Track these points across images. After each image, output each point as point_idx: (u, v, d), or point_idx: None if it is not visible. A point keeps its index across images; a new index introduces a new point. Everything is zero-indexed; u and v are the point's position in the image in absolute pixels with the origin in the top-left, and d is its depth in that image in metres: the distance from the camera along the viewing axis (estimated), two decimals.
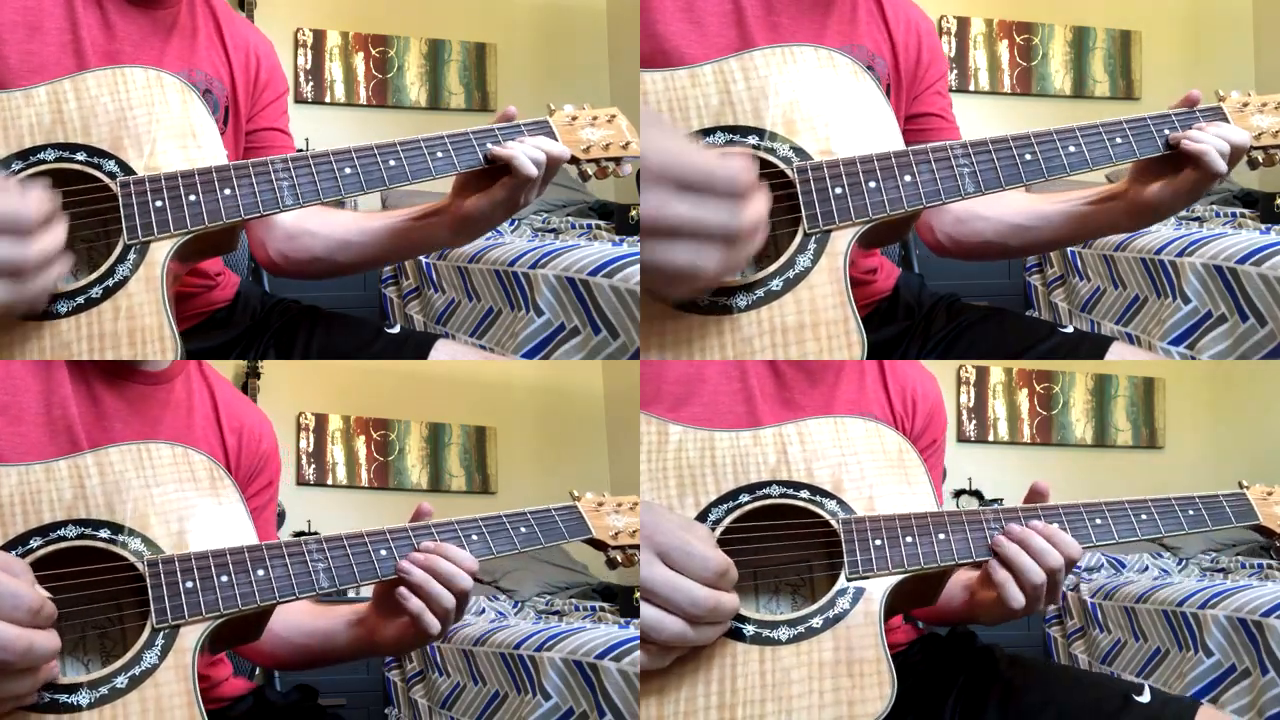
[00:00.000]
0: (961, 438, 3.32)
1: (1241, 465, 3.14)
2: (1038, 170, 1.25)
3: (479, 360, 3.13)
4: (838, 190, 1.22)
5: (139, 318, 1.24)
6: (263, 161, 1.28)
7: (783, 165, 1.22)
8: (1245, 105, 1.31)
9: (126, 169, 1.26)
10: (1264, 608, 2.45)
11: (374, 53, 3.28)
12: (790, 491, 1.23)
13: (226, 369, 2.86)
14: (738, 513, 1.21)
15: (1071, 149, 1.26)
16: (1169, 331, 2.62)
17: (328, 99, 3.25)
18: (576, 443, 3.33)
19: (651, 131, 1.08)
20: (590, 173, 1.38)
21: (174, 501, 1.22)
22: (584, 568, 3.17)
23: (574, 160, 1.37)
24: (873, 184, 1.22)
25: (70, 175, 1.26)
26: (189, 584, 1.18)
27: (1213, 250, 2.55)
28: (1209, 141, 1.25)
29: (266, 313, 1.63)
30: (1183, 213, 2.72)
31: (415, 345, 1.61)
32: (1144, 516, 1.29)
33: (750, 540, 1.21)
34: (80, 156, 1.26)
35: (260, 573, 1.21)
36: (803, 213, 1.22)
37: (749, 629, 1.17)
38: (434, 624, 1.25)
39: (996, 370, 3.34)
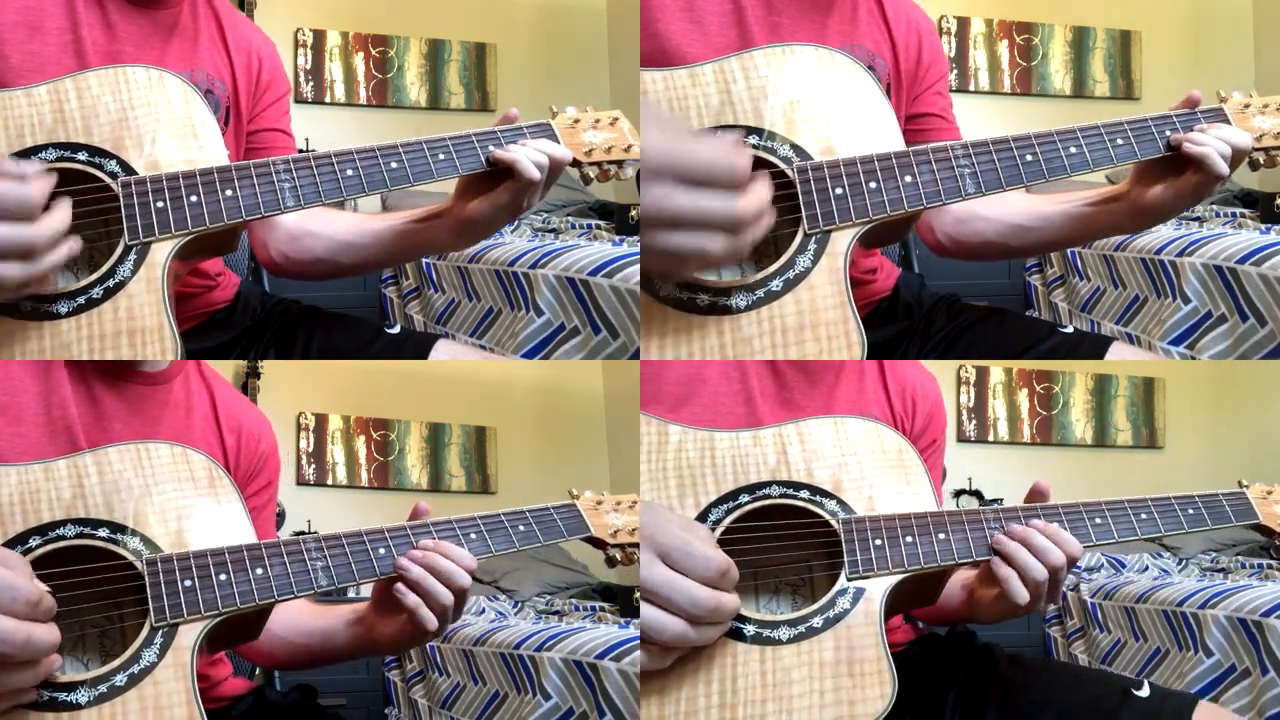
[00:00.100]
0: (961, 438, 3.32)
1: (1241, 465, 3.14)
2: (1038, 171, 1.25)
3: (479, 360, 3.13)
4: (838, 190, 1.22)
5: (139, 318, 1.23)
6: (264, 162, 1.28)
7: (783, 165, 1.22)
8: (1246, 107, 1.31)
9: (128, 169, 1.26)
10: (1264, 608, 2.45)
11: (374, 53, 3.28)
12: (790, 492, 1.23)
13: (226, 369, 2.86)
14: (738, 513, 1.21)
15: (1072, 150, 1.26)
16: (1169, 331, 2.62)
17: (328, 99, 3.25)
18: (576, 443, 3.34)
19: (651, 127, 1.10)
20: (592, 175, 1.38)
21: (173, 501, 1.22)
22: (584, 568, 3.17)
23: (575, 163, 1.37)
24: (873, 184, 1.22)
25: (71, 175, 1.26)
26: (187, 583, 1.18)
27: (1213, 250, 2.55)
28: (1211, 144, 1.25)
29: (267, 313, 1.63)
30: (1183, 213, 2.72)
31: (415, 345, 1.61)
32: (1144, 516, 1.29)
33: (750, 540, 1.21)
34: (81, 156, 1.26)
35: (259, 571, 1.21)
36: (803, 213, 1.22)
37: (749, 629, 1.17)
38: (430, 619, 1.24)
39: (996, 370, 3.34)
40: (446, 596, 1.24)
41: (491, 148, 1.33)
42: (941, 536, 1.22)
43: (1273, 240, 2.54)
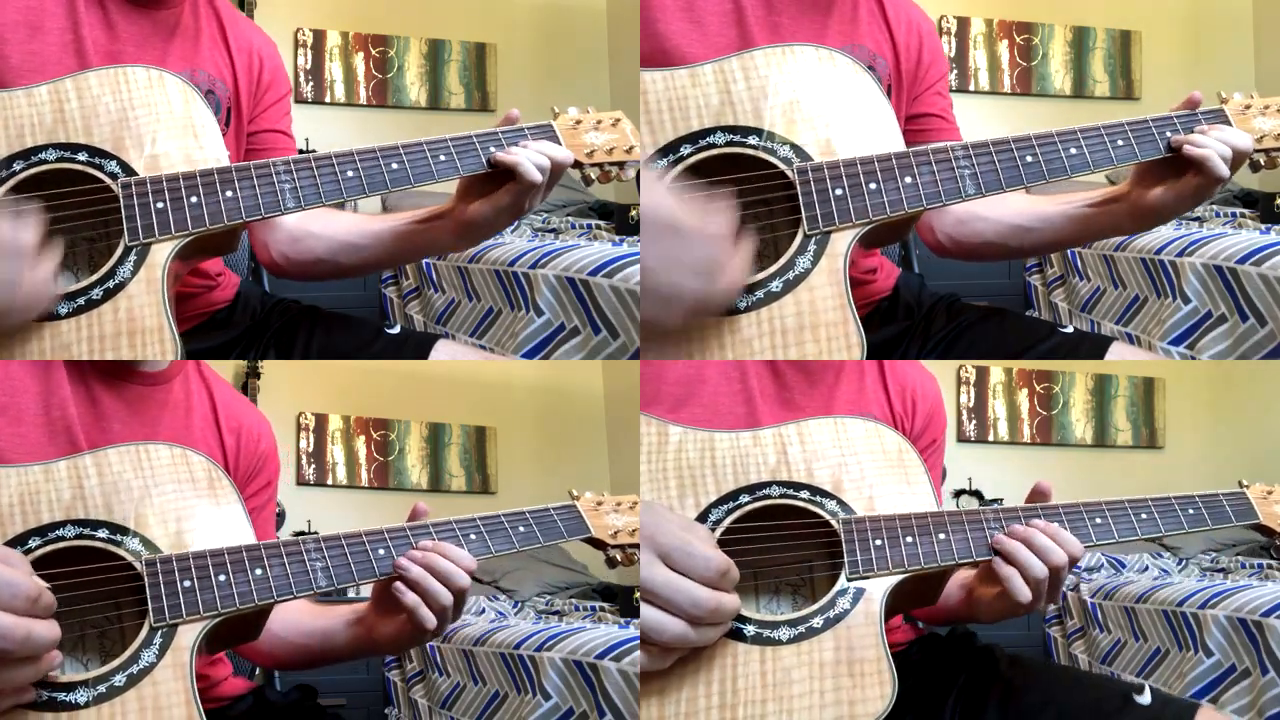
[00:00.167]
0: (961, 438, 3.32)
1: (1241, 465, 3.14)
2: (1038, 172, 1.25)
3: (479, 360, 3.13)
4: (838, 191, 1.22)
5: (139, 319, 1.23)
6: (264, 163, 1.28)
7: (783, 166, 1.22)
8: (1247, 108, 1.31)
9: (128, 169, 1.26)
10: (1264, 608, 2.45)
11: (374, 53, 3.28)
12: (790, 492, 1.23)
13: (226, 369, 2.86)
14: (738, 513, 1.21)
15: (1072, 151, 1.26)
16: (1169, 331, 2.62)
17: (328, 99, 3.25)
18: (576, 443, 3.34)
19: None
20: (593, 177, 1.38)
21: (172, 502, 1.22)
22: (584, 568, 3.17)
23: (577, 164, 1.36)
24: (873, 185, 1.22)
25: (71, 175, 1.26)
26: (187, 583, 1.18)
27: (1213, 250, 2.55)
28: (1211, 146, 1.25)
29: (267, 313, 1.63)
30: (1183, 214, 2.72)
31: (416, 345, 1.61)
32: (1144, 516, 1.29)
33: (751, 541, 1.21)
34: (82, 157, 1.26)
35: (258, 572, 1.21)
36: (802, 214, 1.22)
37: (750, 629, 1.17)
38: (429, 618, 1.24)
39: (996, 370, 3.34)
40: (445, 596, 1.24)
41: (493, 149, 1.33)
42: (942, 537, 1.22)
43: (1273, 240, 2.54)
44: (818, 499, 1.23)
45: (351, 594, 1.44)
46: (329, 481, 3.31)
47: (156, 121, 1.28)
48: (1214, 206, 2.84)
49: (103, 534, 1.19)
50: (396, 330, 1.64)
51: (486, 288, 2.87)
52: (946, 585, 1.32)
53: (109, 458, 1.22)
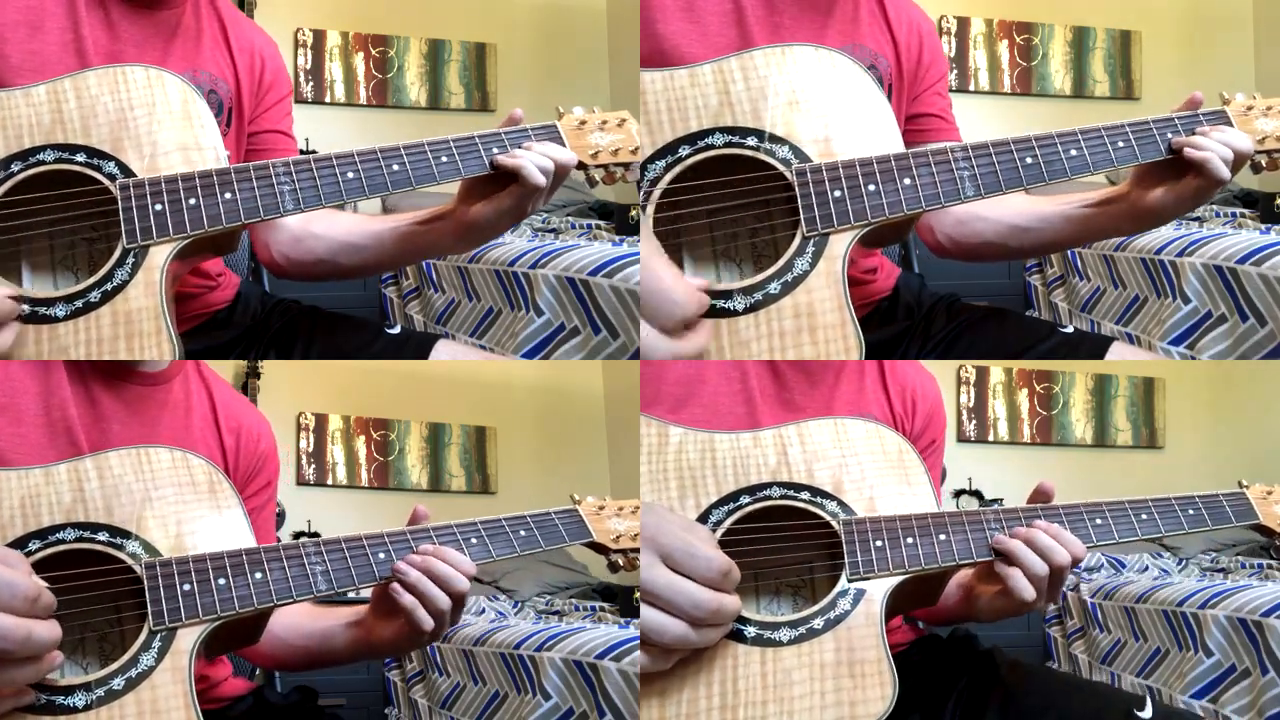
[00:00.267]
0: (961, 438, 3.32)
1: (1241, 465, 3.14)
2: (1038, 174, 1.25)
3: (479, 360, 3.13)
4: (836, 193, 1.22)
5: (137, 322, 1.23)
6: (264, 165, 1.27)
7: (781, 167, 1.22)
8: (1250, 109, 1.30)
9: (126, 170, 1.26)
10: (1264, 608, 2.45)
11: (374, 53, 3.28)
12: (791, 493, 1.23)
13: (226, 369, 2.86)
14: (739, 514, 1.21)
15: (1073, 152, 1.25)
16: (1169, 331, 2.62)
17: (328, 99, 3.25)
18: (576, 443, 3.34)
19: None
20: (598, 178, 1.36)
21: (173, 506, 1.22)
22: (584, 568, 3.17)
23: (581, 165, 1.35)
24: (872, 187, 1.22)
25: (70, 177, 1.26)
26: (186, 586, 1.18)
27: (1213, 250, 2.54)
28: (1212, 149, 1.25)
29: (267, 313, 1.63)
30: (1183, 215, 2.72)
31: (416, 345, 1.60)
32: (1144, 516, 1.28)
33: (751, 542, 1.21)
34: (80, 158, 1.26)
35: (258, 575, 1.20)
36: (801, 216, 1.21)
37: (750, 630, 1.17)
38: (426, 620, 1.24)
39: (996, 370, 3.35)
40: (443, 600, 1.24)
41: (496, 151, 1.32)
42: (942, 537, 1.22)
43: (1273, 240, 2.54)
44: (818, 500, 1.23)
45: (353, 597, 1.44)
46: (329, 481, 3.31)
47: (155, 122, 1.27)
48: (1214, 206, 2.84)
49: (103, 537, 1.19)
50: (397, 330, 1.64)
51: (486, 288, 2.87)
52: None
53: (109, 461, 1.22)
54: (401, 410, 3.36)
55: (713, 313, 1.20)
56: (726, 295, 1.20)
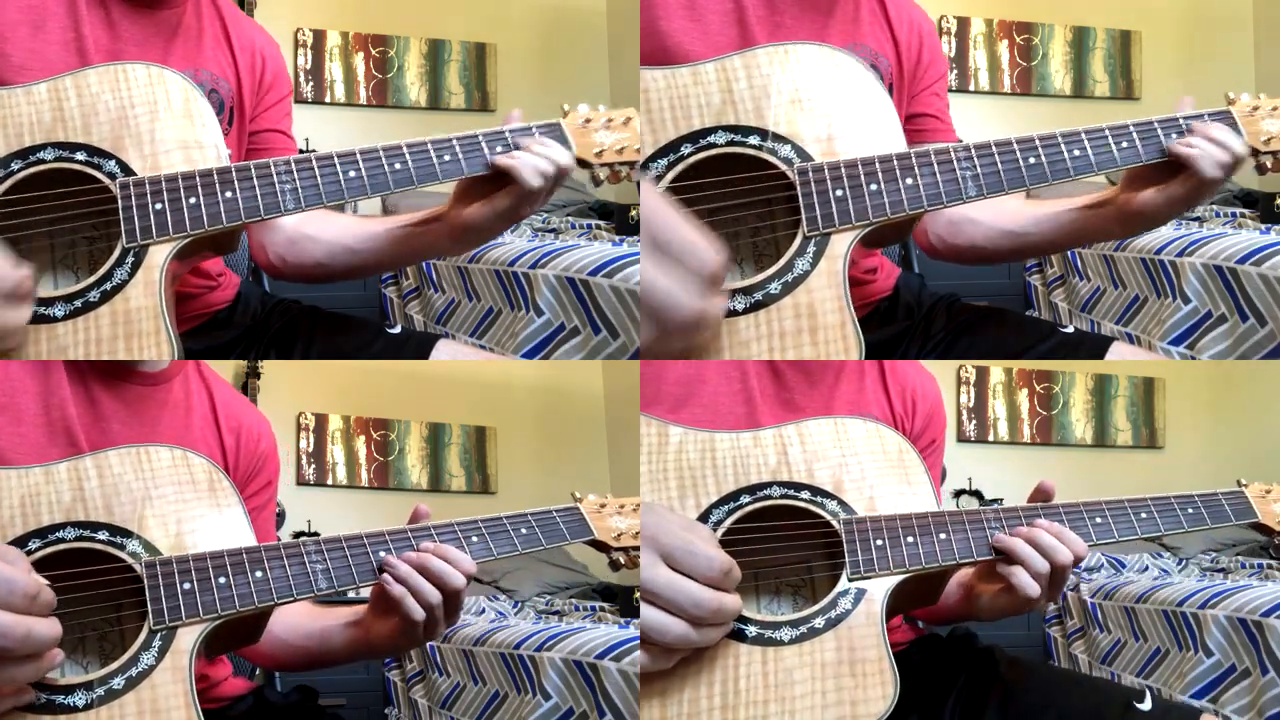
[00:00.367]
0: (961, 438, 3.32)
1: (1241, 465, 3.14)
2: (1041, 174, 1.24)
3: (479, 360, 3.13)
4: (838, 193, 1.22)
5: (136, 322, 1.23)
6: (264, 163, 1.27)
7: (783, 166, 1.22)
8: (1255, 109, 1.28)
9: (127, 169, 1.25)
10: (1264, 608, 2.45)
11: (374, 53, 3.28)
12: (791, 492, 1.23)
13: (226, 369, 2.86)
14: (739, 514, 1.21)
15: (1076, 152, 1.25)
16: (1169, 331, 2.62)
17: (328, 99, 3.25)
18: (576, 443, 3.34)
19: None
20: (602, 177, 1.34)
21: (173, 505, 1.22)
22: (584, 568, 3.17)
23: (586, 164, 1.33)
24: (874, 186, 1.22)
25: (70, 175, 1.25)
26: (186, 585, 1.18)
27: (1213, 250, 2.55)
28: (1200, 145, 1.24)
29: (267, 313, 1.63)
30: (1177, 218, 2.72)
31: (416, 345, 1.60)
32: (1144, 515, 1.29)
33: (752, 541, 1.21)
34: (80, 156, 1.26)
35: (258, 574, 1.20)
36: (802, 215, 1.21)
37: (751, 630, 1.17)
38: (416, 610, 1.23)
39: (996, 370, 3.34)
40: (433, 594, 1.23)
41: (500, 150, 1.31)
42: (943, 536, 1.22)
43: (1273, 240, 2.54)
44: (818, 499, 1.23)
45: (352, 597, 1.44)
46: (329, 481, 3.31)
47: (156, 120, 1.27)
48: (1214, 206, 2.84)
49: (103, 536, 1.19)
50: (397, 330, 1.64)
51: (486, 288, 2.86)
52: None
53: (109, 460, 1.22)
54: (401, 410, 3.36)
55: None
56: (728, 295, 1.19)
